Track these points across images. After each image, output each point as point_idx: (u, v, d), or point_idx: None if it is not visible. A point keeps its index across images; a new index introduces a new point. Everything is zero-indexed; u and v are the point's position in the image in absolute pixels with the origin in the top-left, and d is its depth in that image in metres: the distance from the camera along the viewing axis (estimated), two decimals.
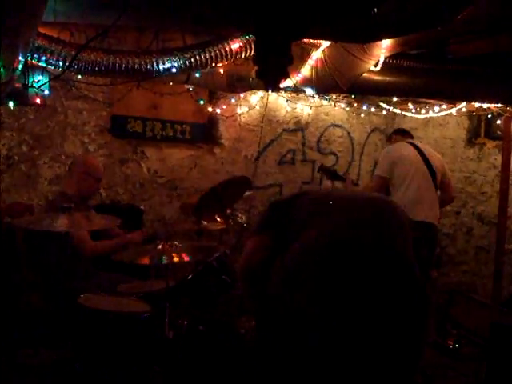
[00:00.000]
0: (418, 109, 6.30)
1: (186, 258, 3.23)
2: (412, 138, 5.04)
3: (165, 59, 3.92)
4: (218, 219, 4.49)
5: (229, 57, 3.96)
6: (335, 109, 6.36)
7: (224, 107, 5.92)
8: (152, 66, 3.91)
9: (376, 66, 4.24)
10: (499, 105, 5.73)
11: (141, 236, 4.14)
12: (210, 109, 5.84)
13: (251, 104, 6.04)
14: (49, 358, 3.38)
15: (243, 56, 4.01)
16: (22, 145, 5.17)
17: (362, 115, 6.67)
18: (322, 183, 6.35)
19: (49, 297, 3.77)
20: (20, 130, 5.15)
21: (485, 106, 5.90)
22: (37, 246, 3.86)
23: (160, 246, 3.24)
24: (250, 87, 5.13)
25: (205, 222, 4.60)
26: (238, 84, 4.85)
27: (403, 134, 5.02)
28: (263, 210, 2.14)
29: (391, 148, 4.77)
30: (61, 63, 3.73)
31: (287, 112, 6.25)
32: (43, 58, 3.71)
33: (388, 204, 1.99)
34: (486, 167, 6.89)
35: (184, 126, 5.81)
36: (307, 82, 4.56)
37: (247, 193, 4.99)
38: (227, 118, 5.99)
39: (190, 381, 3.13)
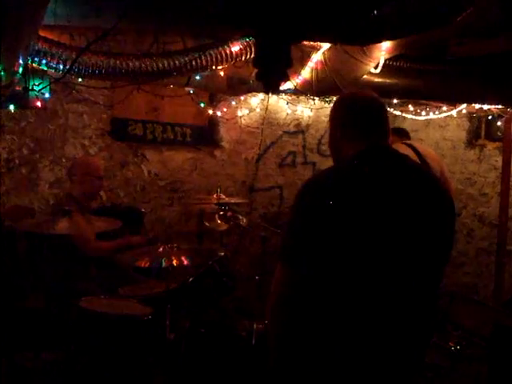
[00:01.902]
0: (419, 110, 6.29)
1: (186, 261, 3.23)
2: (409, 138, 5.02)
3: (165, 62, 3.93)
4: (219, 221, 4.49)
5: (229, 59, 3.96)
6: None
7: (224, 110, 5.92)
8: (152, 68, 3.91)
9: (376, 68, 4.24)
10: (499, 106, 5.73)
11: (143, 240, 4.20)
12: (210, 111, 5.84)
13: (252, 106, 6.04)
14: (49, 361, 3.38)
15: (243, 58, 4.00)
16: (22, 148, 5.18)
17: None
18: None
19: (50, 300, 3.77)
20: (21, 134, 5.16)
21: (485, 107, 5.90)
22: (38, 249, 3.86)
23: (160, 249, 3.24)
24: (251, 90, 5.13)
25: (207, 223, 4.61)
26: (238, 86, 4.85)
27: (400, 134, 4.99)
28: (288, 227, 1.81)
29: None
30: (61, 66, 3.73)
31: (288, 114, 6.25)
32: (43, 62, 3.71)
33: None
34: (486, 169, 6.89)
35: (184, 128, 5.81)
36: (307, 84, 4.56)
37: None
38: (228, 120, 5.99)
39: (191, 383, 3.13)
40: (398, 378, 1.83)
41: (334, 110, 2.01)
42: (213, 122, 5.96)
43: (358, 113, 1.94)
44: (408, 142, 4.85)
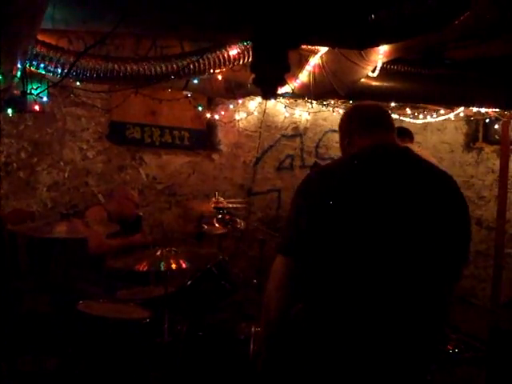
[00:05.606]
0: (416, 114, 6.31)
1: (184, 265, 3.23)
2: (412, 139, 5.01)
3: (163, 66, 3.93)
4: (217, 225, 4.50)
5: (227, 63, 3.96)
6: (333, 114, 6.35)
7: (222, 113, 5.93)
8: (150, 72, 3.92)
9: (374, 71, 4.25)
10: (497, 109, 5.74)
11: (141, 239, 4.31)
12: (208, 115, 5.85)
13: (249, 110, 6.05)
14: (49, 365, 3.37)
15: (241, 62, 4.01)
16: (20, 152, 5.18)
17: None
18: None
19: (49, 303, 3.77)
20: (19, 137, 5.16)
21: (483, 110, 5.91)
22: (38, 252, 3.87)
23: (158, 253, 3.24)
24: (249, 93, 5.14)
25: (205, 227, 4.62)
26: (236, 90, 4.86)
27: (402, 135, 4.97)
28: (287, 221, 1.87)
29: None
30: (59, 70, 3.73)
31: (285, 118, 6.26)
32: (42, 65, 3.71)
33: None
34: (484, 172, 6.90)
35: (182, 132, 5.81)
36: (305, 87, 4.57)
37: None
38: (226, 123, 6.00)
39: None
40: (398, 374, 1.82)
41: (340, 123, 2.16)
42: (211, 126, 5.97)
43: (358, 118, 2.08)
44: (406, 145, 4.84)
